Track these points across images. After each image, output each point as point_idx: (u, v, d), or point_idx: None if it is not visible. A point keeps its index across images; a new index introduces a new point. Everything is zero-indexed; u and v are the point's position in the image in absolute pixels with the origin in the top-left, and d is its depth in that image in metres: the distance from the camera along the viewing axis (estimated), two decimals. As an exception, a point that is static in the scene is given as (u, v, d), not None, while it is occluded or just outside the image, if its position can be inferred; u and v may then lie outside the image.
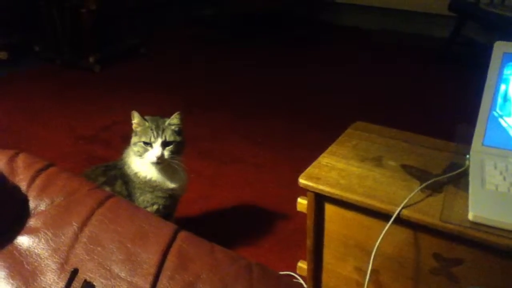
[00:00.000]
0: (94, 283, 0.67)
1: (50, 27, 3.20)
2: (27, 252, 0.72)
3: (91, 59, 3.15)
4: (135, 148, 1.33)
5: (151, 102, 2.73)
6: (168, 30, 4.12)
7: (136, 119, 1.33)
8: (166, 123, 1.33)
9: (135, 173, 1.35)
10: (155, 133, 1.30)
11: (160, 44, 3.82)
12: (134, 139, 1.34)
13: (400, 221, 0.97)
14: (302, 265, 1.30)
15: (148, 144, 1.30)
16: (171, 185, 1.37)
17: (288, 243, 1.56)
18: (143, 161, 1.33)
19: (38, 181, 0.82)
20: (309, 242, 1.19)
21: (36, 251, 0.72)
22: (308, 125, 2.42)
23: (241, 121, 2.50)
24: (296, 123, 2.45)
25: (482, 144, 1.07)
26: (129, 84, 3.07)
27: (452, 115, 2.23)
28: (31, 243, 0.73)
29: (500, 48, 1.01)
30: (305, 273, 1.28)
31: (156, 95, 2.84)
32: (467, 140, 1.09)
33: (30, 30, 3.35)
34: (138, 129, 1.33)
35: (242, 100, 2.78)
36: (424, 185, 1.01)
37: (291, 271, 1.40)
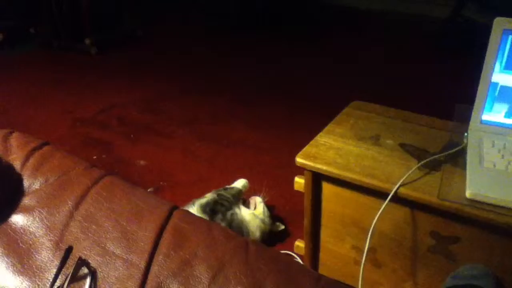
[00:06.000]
0: (89, 261, 0.67)
1: (47, 9, 3.16)
2: (21, 231, 0.72)
3: (87, 41, 3.12)
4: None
5: (149, 86, 2.71)
6: (168, 15, 4.07)
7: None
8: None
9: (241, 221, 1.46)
10: None
11: (159, 29, 3.78)
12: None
13: (398, 199, 0.97)
14: (300, 244, 1.30)
15: None
16: None
17: (286, 223, 1.57)
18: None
19: (32, 160, 0.82)
20: (306, 221, 1.19)
21: (30, 229, 0.72)
22: (307, 108, 2.40)
23: (240, 105, 2.48)
24: (295, 107, 2.43)
25: (480, 122, 1.06)
26: (126, 67, 3.05)
27: (451, 95, 2.21)
28: (25, 222, 0.73)
29: (500, 24, 1.00)
30: (302, 252, 1.28)
31: (154, 79, 2.82)
32: (465, 118, 1.08)
33: (27, 13, 3.31)
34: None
35: (242, 84, 2.76)
36: (421, 163, 1.01)
37: (289, 250, 1.40)
